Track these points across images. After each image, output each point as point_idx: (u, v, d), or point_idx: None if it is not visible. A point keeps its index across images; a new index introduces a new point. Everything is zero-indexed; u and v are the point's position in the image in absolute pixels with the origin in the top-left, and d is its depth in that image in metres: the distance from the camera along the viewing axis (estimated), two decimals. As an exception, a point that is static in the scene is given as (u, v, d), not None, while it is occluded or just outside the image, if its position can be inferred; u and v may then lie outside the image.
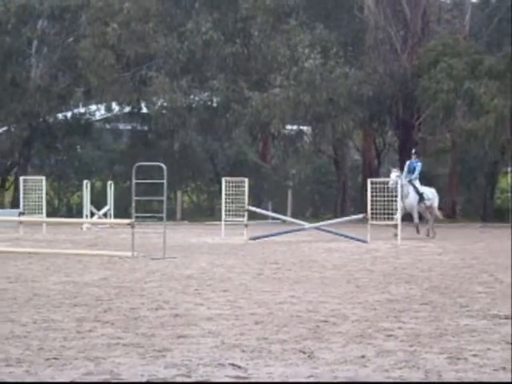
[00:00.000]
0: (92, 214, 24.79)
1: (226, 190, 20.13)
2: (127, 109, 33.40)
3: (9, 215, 23.21)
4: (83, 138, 34.97)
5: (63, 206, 35.21)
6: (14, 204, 29.95)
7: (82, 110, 35.53)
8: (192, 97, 30.96)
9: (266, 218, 24.54)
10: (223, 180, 20.66)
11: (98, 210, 25.11)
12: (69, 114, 34.77)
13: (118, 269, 11.96)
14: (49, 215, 23.14)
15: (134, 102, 31.90)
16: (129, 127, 35.80)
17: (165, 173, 14.40)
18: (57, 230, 22.55)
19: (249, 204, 20.05)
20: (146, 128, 33.99)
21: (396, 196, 18.30)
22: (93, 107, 35.91)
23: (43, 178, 23.22)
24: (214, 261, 13.23)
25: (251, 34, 29.14)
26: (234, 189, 20.07)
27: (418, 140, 30.40)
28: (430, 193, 20.13)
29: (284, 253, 15.07)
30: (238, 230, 19.42)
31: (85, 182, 25.37)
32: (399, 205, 18.64)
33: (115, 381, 5.03)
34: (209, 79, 30.19)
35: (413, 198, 19.52)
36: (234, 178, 20.78)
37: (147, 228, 20.33)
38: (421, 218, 20.29)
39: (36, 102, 31.46)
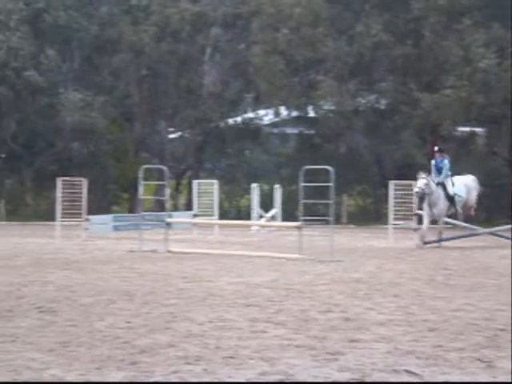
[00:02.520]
0: (260, 217, 25.27)
1: (393, 194, 19.81)
2: (295, 113, 33.78)
3: (184, 217, 24.14)
4: (252, 142, 35.80)
5: (232, 209, 36.20)
6: (187, 206, 31.15)
7: (251, 115, 36.39)
8: (359, 99, 30.80)
9: (435, 222, 23.86)
10: (390, 183, 20.34)
11: (266, 212, 25.55)
12: (239, 119, 35.72)
13: (287, 271, 12.08)
14: (219, 217, 23.81)
15: (301, 106, 32.21)
16: (296, 131, 36.17)
17: (332, 176, 14.39)
18: (227, 231, 23.20)
19: (417, 208, 19.60)
20: (312, 132, 34.22)
21: None
22: (261, 112, 36.65)
23: (215, 181, 23.95)
24: (382, 265, 13.04)
25: (423, 35, 28.54)
26: (401, 192, 19.70)
27: None
28: (464, 186, 17.91)
29: (456, 258, 14.59)
30: (407, 235, 19.05)
31: (253, 185, 25.91)
32: (425, 212, 17.41)
33: (290, 382, 5.08)
34: (377, 81, 29.88)
35: (442, 206, 17.57)
36: (402, 182, 20.39)
37: (314, 231, 20.42)
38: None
39: (209, 108, 32.60)
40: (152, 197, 28.36)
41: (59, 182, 20.34)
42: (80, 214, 20.14)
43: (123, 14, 33.70)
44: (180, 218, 23.58)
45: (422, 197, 17.51)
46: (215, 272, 11.80)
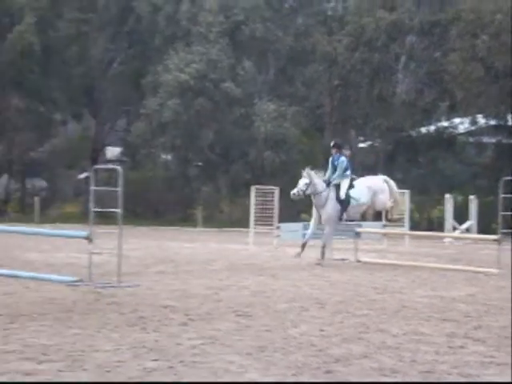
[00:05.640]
0: (454, 229, 24.47)
1: None
2: (493, 121, 32.52)
3: (374, 227, 23.89)
4: (446, 151, 34.86)
5: (423, 220, 35.35)
6: (376, 216, 30.83)
7: (445, 123, 35.47)
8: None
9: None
10: None
11: (459, 224, 24.70)
12: (432, 128, 34.93)
13: (484, 285, 11.59)
14: (410, 228, 23.34)
15: (500, 115, 30.95)
16: (493, 140, 34.80)
17: (536, 188, 13.64)
18: (418, 243, 22.67)
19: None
20: (512, 141, 32.77)
21: None
22: (456, 120, 35.63)
23: (407, 191, 23.51)
24: None
25: None
26: None
27: None
28: (366, 189, 15.16)
29: None
30: None
31: (446, 195, 25.16)
32: (314, 214, 14.77)
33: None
34: None
35: (331, 208, 14.85)
36: None
37: (513, 245, 19.40)
38: None
39: (401, 117, 32.18)
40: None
41: (253, 189, 20.91)
42: (271, 221, 20.56)
43: (318, 24, 34.13)
44: (370, 228, 23.36)
45: (299, 198, 15.22)
46: (407, 284, 11.55)
